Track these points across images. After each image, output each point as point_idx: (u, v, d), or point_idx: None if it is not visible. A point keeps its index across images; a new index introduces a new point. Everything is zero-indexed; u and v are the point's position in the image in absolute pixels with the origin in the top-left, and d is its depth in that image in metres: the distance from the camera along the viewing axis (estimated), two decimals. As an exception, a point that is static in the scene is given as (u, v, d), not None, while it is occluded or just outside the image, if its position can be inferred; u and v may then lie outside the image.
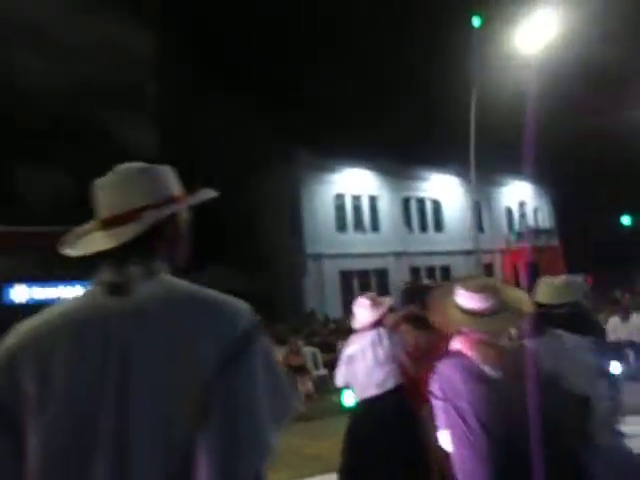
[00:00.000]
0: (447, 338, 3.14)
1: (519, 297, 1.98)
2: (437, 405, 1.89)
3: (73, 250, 1.07)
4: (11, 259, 15.12)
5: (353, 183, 20.89)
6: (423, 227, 23.31)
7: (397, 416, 3.05)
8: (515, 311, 1.89)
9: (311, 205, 19.59)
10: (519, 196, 27.30)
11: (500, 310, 1.85)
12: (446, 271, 22.76)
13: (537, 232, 24.96)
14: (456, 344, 1.92)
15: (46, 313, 0.97)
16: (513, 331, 1.85)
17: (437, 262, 22.65)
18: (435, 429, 1.96)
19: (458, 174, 23.19)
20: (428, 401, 2.84)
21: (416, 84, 24.02)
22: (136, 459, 0.82)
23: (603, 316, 9.79)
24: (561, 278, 2.32)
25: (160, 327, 0.90)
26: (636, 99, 17.96)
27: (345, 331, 12.10)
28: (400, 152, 21.13)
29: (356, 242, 20.39)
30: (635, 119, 18.23)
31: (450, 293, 1.98)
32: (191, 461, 0.83)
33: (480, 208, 22.88)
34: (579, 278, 22.67)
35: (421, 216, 23.32)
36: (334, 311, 17.62)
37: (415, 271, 21.80)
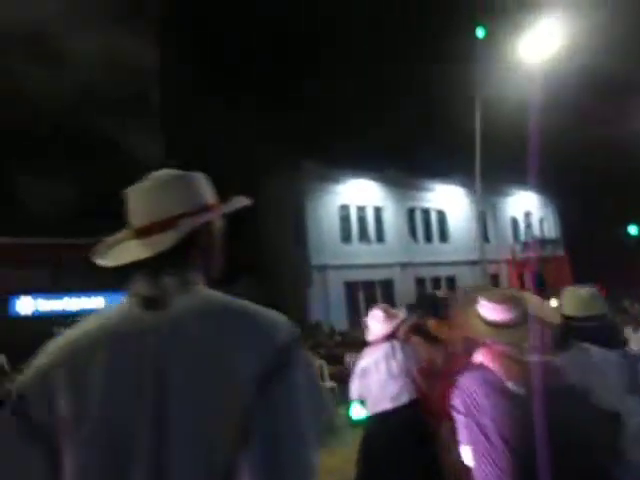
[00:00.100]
0: (457, 352, 3.09)
1: (544, 308, 1.93)
2: (459, 420, 1.82)
3: (105, 260, 1.03)
4: (16, 271, 15.15)
5: (358, 194, 20.89)
6: (428, 237, 23.24)
7: (411, 431, 2.99)
8: (540, 322, 1.82)
9: (316, 216, 19.58)
10: (524, 206, 27.24)
11: (524, 321, 1.80)
12: (451, 281, 22.65)
13: (543, 242, 24.84)
14: (479, 357, 1.86)
15: (81, 327, 0.94)
16: (537, 344, 1.78)
17: (442, 272, 22.55)
18: (456, 444, 1.90)
19: (463, 184, 23.18)
20: (443, 416, 2.78)
21: (420, 93, 24.11)
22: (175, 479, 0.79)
23: (613, 327, 9.65)
24: (587, 289, 2.25)
25: (198, 343, 0.86)
26: (642, 109, 17.95)
27: (351, 343, 12.00)
28: (405, 163, 21.18)
29: (361, 253, 20.33)
30: (641, 129, 18.20)
31: (472, 304, 1.92)
32: None
33: (485, 218, 22.83)
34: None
35: (426, 227, 23.26)
36: (339, 322, 17.51)
37: (420, 282, 21.71)
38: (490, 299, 1.85)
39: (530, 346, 1.75)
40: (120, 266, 1.00)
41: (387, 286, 20.87)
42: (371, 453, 3.11)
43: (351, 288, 19.79)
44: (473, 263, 21.54)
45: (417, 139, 22.33)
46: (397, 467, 2.96)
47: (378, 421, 3.18)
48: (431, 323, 3.28)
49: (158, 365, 0.84)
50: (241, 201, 1.11)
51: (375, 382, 3.20)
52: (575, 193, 26.69)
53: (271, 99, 22.04)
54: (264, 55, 24.46)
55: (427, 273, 22.00)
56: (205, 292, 0.96)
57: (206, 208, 1.04)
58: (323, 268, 19.17)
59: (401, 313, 3.46)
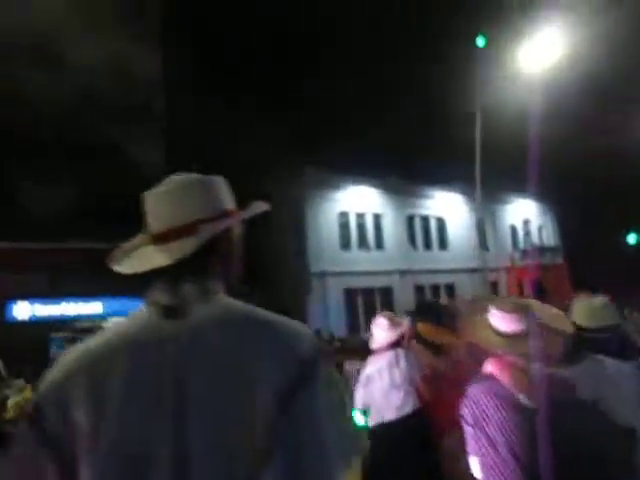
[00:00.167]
0: (458, 360, 3.06)
1: (557, 317, 1.87)
2: (467, 431, 1.78)
3: (122, 267, 0.99)
4: (13, 275, 15.08)
5: (357, 201, 20.90)
6: (427, 245, 23.24)
7: (415, 438, 2.95)
8: (553, 333, 1.78)
9: (315, 223, 19.56)
10: (523, 214, 27.29)
11: (536, 332, 1.74)
12: (450, 289, 22.63)
13: (542, 250, 24.85)
14: (488, 367, 1.81)
15: (99, 336, 0.91)
16: (548, 355, 1.73)
17: (441, 280, 22.53)
18: (464, 454, 1.86)
19: (462, 192, 23.23)
20: (448, 424, 2.73)
21: (420, 101, 24.21)
22: None
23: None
24: (599, 299, 2.21)
25: (218, 352, 0.84)
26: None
27: (350, 350, 11.93)
28: (404, 170, 21.22)
29: (360, 260, 20.30)
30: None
31: (482, 313, 1.88)
32: None
33: (484, 226, 22.84)
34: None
35: (425, 234, 23.27)
36: (338, 329, 17.44)
37: (420, 289, 21.68)
38: (501, 308, 1.81)
39: (541, 357, 1.71)
40: (138, 274, 0.97)
41: (386, 293, 20.83)
42: (375, 462, 3.07)
43: (350, 295, 19.74)
44: (472, 271, 21.53)
45: (417, 146, 22.40)
46: (400, 474, 2.92)
47: (382, 430, 3.14)
48: (421, 327, 3.25)
49: (178, 375, 0.82)
50: (260, 206, 1.08)
51: (378, 390, 3.17)
52: (574, 201, 26.76)
53: (271, 101, 22.10)
54: (264, 56, 24.58)
55: (426, 281, 21.98)
56: (225, 301, 0.94)
57: (226, 214, 1.02)
58: (322, 275, 19.13)
59: (405, 321, 3.42)
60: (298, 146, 19.21)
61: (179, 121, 18.64)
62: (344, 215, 20.55)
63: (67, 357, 0.89)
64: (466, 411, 1.78)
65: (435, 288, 22.32)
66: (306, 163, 19.16)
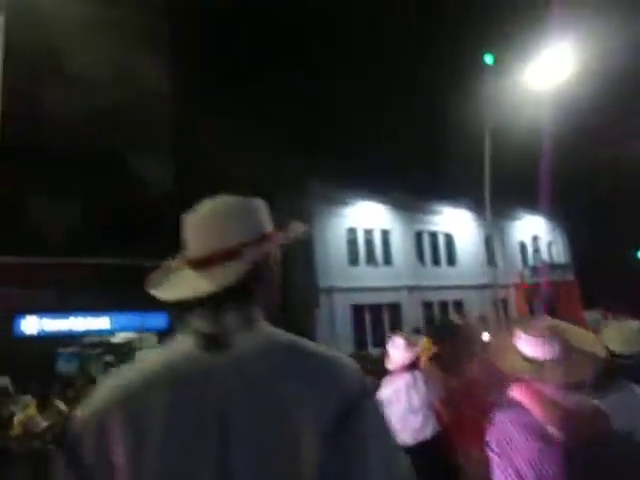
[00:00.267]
0: (474, 382, 2.98)
1: (589, 341, 1.75)
2: (493, 459, 1.69)
3: (162, 293, 0.96)
4: (22, 290, 15.13)
5: (365, 216, 20.88)
6: (436, 261, 23.12)
7: (436, 465, 2.86)
8: (584, 358, 1.67)
9: (323, 238, 19.54)
10: (532, 230, 27.13)
11: (567, 357, 1.65)
12: (459, 306, 22.44)
13: (552, 267, 24.64)
14: (516, 393, 1.71)
15: (137, 367, 0.88)
16: (580, 383, 1.64)
17: (450, 296, 22.36)
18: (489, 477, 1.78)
19: (470, 208, 23.17)
20: (469, 448, 2.65)
21: (428, 118, 24.34)
22: None
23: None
24: (633, 323, 2.10)
25: (262, 384, 0.81)
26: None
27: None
28: (412, 186, 21.22)
29: (368, 276, 20.21)
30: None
31: (509, 335, 1.77)
32: None
33: (493, 242, 22.73)
34: (597, 314, 22.24)
35: (434, 250, 23.16)
36: (346, 345, 17.30)
37: (428, 305, 21.53)
38: (528, 332, 1.71)
39: (573, 385, 1.62)
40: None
41: (394, 309, 20.69)
42: None
43: (358, 311, 19.61)
44: (481, 287, 21.38)
45: (425, 163, 22.45)
46: None
47: None
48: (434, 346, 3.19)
49: (221, 406, 0.80)
50: (299, 228, 1.06)
51: (395, 413, 3.08)
52: (584, 217, 26.61)
53: (280, 115, 22.28)
54: (272, 69, 24.86)
55: (434, 297, 21.82)
56: (268, 330, 0.92)
57: (266, 237, 0.98)
58: (330, 291, 19.04)
59: (422, 341, 3.34)
60: (306, 162, 19.31)
61: (188, 138, 18.82)
62: (352, 231, 20.53)
63: (106, 386, 0.86)
64: (492, 439, 1.70)
65: (443, 304, 22.14)
66: (314, 179, 19.22)
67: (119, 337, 17.90)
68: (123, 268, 16.20)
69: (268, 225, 1.02)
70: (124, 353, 17.99)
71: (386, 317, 20.32)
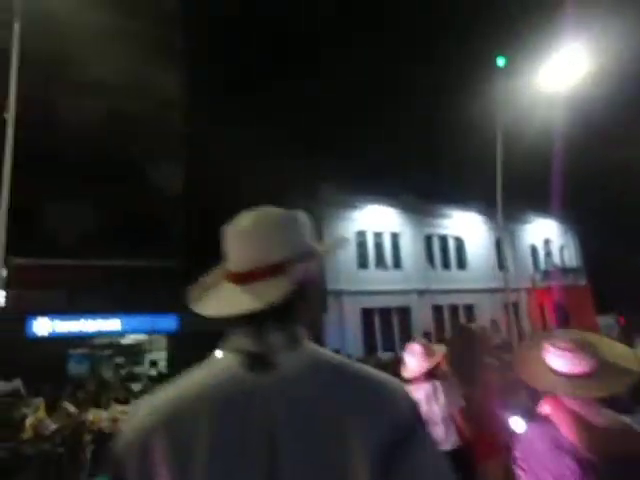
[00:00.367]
0: (494, 392, 2.92)
1: (622, 354, 1.66)
2: (520, 475, 1.63)
3: (205, 309, 0.92)
4: (34, 291, 15.27)
5: (375, 220, 20.82)
6: (446, 265, 22.97)
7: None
8: (617, 372, 1.58)
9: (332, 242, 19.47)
10: (544, 234, 26.86)
11: (598, 371, 1.57)
12: (469, 310, 22.27)
13: (564, 271, 24.36)
14: (545, 408, 1.64)
15: (180, 386, 0.85)
16: (614, 399, 1.55)
17: (460, 300, 22.19)
18: None
19: (481, 211, 23.01)
20: (489, 457, 2.61)
21: (439, 121, 24.25)
22: None
23: None
24: None
25: (310, 407, 0.79)
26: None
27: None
28: (422, 189, 21.13)
29: (378, 279, 20.13)
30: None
31: (538, 348, 1.70)
32: None
33: (504, 245, 22.57)
34: (610, 319, 21.93)
35: (444, 253, 23.01)
36: (355, 349, 17.24)
37: (438, 309, 21.39)
38: (559, 346, 1.64)
39: (604, 401, 1.55)
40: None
41: (404, 313, 20.58)
42: None
43: (367, 315, 19.54)
44: (491, 291, 21.20)
45: (435, 166, 22.36)
46: None
47: None
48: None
49: (266, 428, 0.77)
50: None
51: None
52: (596, 219, 26.28)
53: (289, 120, 22.31)
54: (280, 76, 24.92)
55: (444, 300, 21.67)
56: (313, 349, 0.89)
57: (312, 253, 0.95)
58: (339, 294, 18.99)
59: (440, 349, 3.24)
60: (315, 166, 19.31)
61: (198, 144, 18.91)
62: (362, 234, 20.47)
63: (149, 405, 0.84)
64: (520, 455, 1.64)
65: (453, 308, 21.98)
66: (323, 182, 19.21)
67: (129, 339, 18.00)
68: (133, 270, 16.32)
69: (312, 239, 0.99)
70: (134, 355, 18.10)
71: (396, 321, 20.22)
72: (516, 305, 21.98)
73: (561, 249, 27.58)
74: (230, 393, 0.81)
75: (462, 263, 23.39)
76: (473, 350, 3.02)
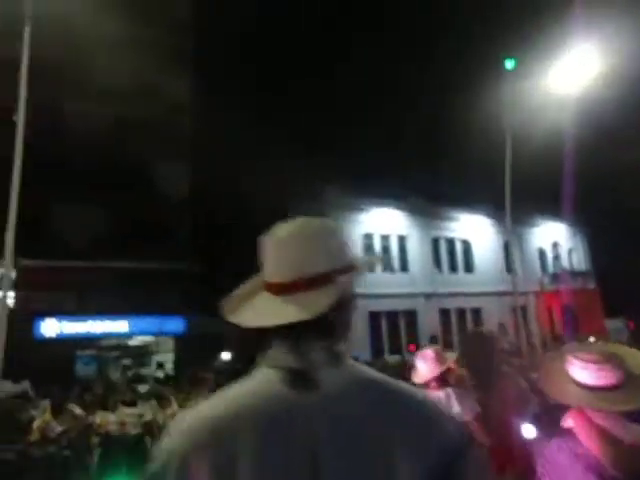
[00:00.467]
0: (509, 399, 2.88)
1: None
2: None
3: (243, 319, 0.89)
4: (43, 293, 15.37)
5: (382, 223, 20.75)
6: (453, 268, 22.85)
7: None
8: None
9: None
10: (552, 237, 26.68)
11: (625, 384, 1.51)
12: (477, 313, 22.15)
13: (572, 274, 24.17)
14: (569, 422, 1.60)
15: (220, 404, 0.83)
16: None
17: (467, 304, 22.06)
18: None
19: (488, 214, 22.89)
20: (505, 466, 2.56)
21: (447, 123, 24.17)
22: None
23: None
24: None
25: (355, 427, 0.77)
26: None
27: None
28: (429, 192, 21.05)
29: (385, 282, 20.04)
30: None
31: (561, 360, 1.66)
32: None
33: (512, 249, 22.45)
34: (619, 322, 21.69)
35: (451, 257, 22.90)
36: (362, 352, 17.17)
37: (445, 313, 21.28)
38: (583, 357, 1.58)
39: (631, 415, 1.48)
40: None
41: (411, 316, 20.49)
42: None
43: (374, 318, 19.46)
44: (499, 294, 21.06)
45: (442, 168, 22.28)
46: None
47: None
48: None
49: (309, 447, 0.75)
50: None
51: None
52: (605, 221, 26.06)
53: (296, 122, 22.32)
54: (284, 80, 24.94)
55: (451, 304, 21.55)
56: (355, 367, 0.87)
57: (351, 265, 0.93)
58: (346, 297, 18.95)
59: (452, 356, 3.19)
60: (322, 169, 19.30)
61: (204, 148, 18.97)
62: (368, 237, 20.42)
63: (187, 424, 0.81)
64: (543, 470, 1.59)
65: (461, 312, 21.86)
66: (330, 185, 19.18)
67: (136, 340, 18.06)
68: (141, 273, 16.38)
69: (350, 251, 0.97)
70: (141, 356, 18.16)
71: (402, 324, 20.14)
72: (524, 309, 21.81)
73: (569, 252, 27.37)
74: (272, 412, 0.79)
75: (469, 266, 23.27)
76: (489, 356, 2.96)
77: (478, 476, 0.79)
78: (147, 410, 7.65)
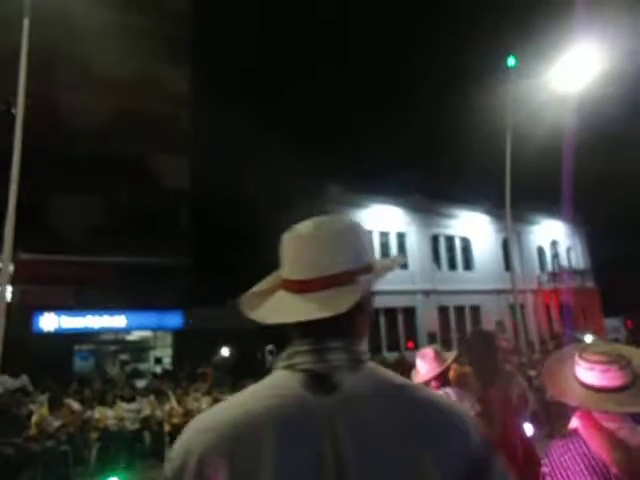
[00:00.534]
0: (511, 397, 2.87)
1: None
2: None
3: (267, 317, 0.87)
4: (41, 287, 15.34)
5: (381, 219, 20.70)
6: (452, 265, 22.85)
7: None
8: None
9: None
10: (551, 235, 26.69)
11: (631, 385, 1.50)
12: (475, 311, 22.16)
13: (571, 273, 24.21)
14: (575, 424, 1.58)
15: (239, 407, 0.81)
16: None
17: (466, 301, 22.07)
18: None
19: (487, 212, 22.89)
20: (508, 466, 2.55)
21: (447, 120, 24.15)
22: None
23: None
24: None
25: (377, 434, 0.75)
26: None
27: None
28: (429, 189, 21.04)
29: (384, 279, 19.91)
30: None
31: (567, 361, 1.64)
32: None
33: (511, 247, 22.46)
34: (617, 321, 21.75)
35: (450, 254, 22.89)
36: (360, 349, 17.22)
37: (443, 310, 21.28)
38: (587, 358, 1.57)
39: (638, 417, 1.47)
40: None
41: (409, 313, 20.51)
42: None
43: (373, 315, 19.46)
44: (498, 292, 21.09)
45: (442, 166, 22.27)
46: None
47: None
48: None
49: (332, 451, 0.74)
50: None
51: None
52: (603, 221, 26.09)
53: (295, 119, 22.29)
54: (285, 78, 24.89)
55: (450, 301, 21.56)
56: (376, 370, 0.85)
57: (372, 265, 0.91)
58: (344, 293, 18.95)
59: (452, 356, 3.20)
60: (321, 164, 19.27)
61: (205, 143, 18.92)
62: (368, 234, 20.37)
63: (204, 427, 0.80)
64: (548, 472, 1.57)
65: (460, 309, 21.87)
66: (330, 182, 19.14)
67: (134, 335, 18.05)
68: (139, 267, 16.35)
69: (372, 251, 0.96)
70: (139, 351, 18.15)
71: (401, 321, 20.15)
72: (522, 306, 21.85)
73: (568, 251, 27.39)
74: (293, 415, 0.77)
75: (468, 264, 23.27)
76: (492, 355, 2.96)
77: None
78: (145, 405, 7.65)
